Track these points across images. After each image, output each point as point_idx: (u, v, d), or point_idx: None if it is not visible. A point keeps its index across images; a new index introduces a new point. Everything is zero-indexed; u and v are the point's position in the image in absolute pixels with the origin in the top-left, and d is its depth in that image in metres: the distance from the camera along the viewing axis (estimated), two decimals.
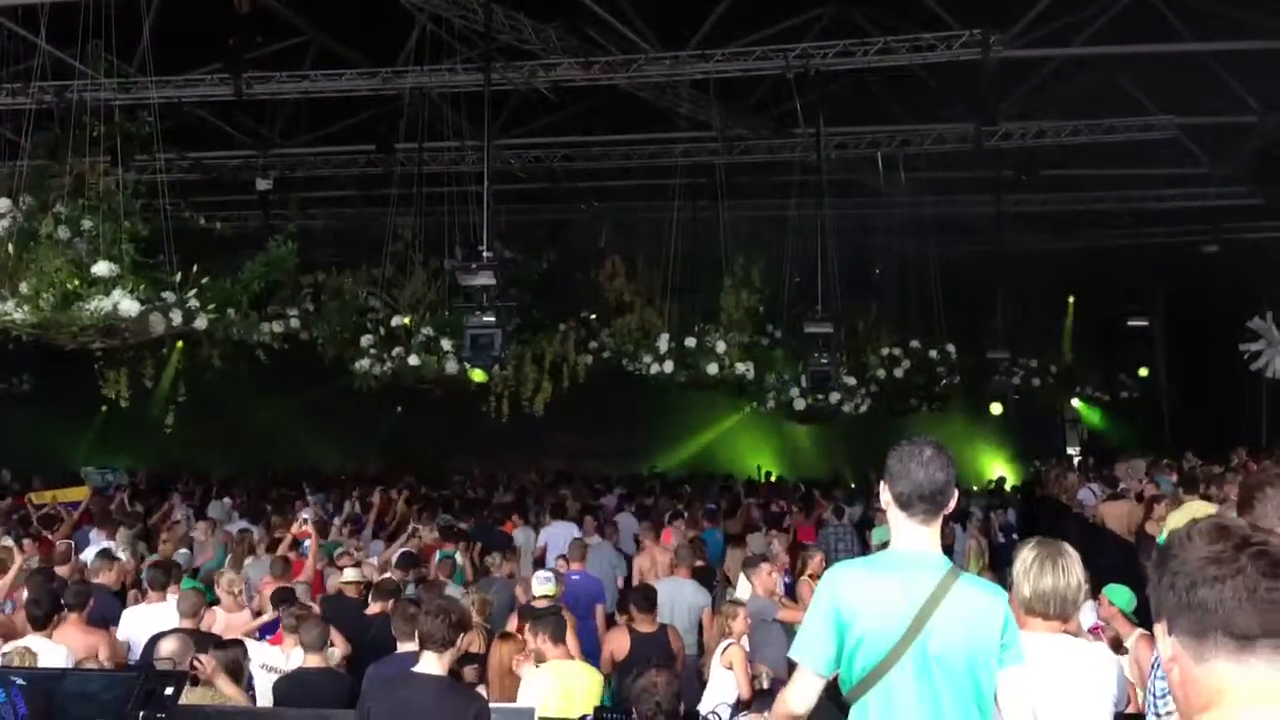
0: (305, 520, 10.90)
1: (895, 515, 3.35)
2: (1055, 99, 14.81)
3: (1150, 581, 1.75)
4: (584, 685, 6.38)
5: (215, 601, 8.43)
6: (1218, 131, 15.36)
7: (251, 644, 7.20)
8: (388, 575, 9.12)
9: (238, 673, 6.56)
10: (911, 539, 3.31)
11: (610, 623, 9.20)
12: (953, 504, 3.37)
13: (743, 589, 8.68)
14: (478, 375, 12.16)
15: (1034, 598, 3.86)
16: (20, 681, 4.44)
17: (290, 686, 6.57)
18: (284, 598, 8.03)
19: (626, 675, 5.98)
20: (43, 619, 6.67)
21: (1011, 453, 25.98)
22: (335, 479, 20.34)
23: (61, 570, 9.33)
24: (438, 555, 10.60)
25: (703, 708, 6.73)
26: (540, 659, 6.46)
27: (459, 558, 10.65)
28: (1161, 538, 1.68)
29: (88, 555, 10.11)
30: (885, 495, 3.37)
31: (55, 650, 6.42)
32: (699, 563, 10.33)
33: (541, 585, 8.21)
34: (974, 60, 12.66)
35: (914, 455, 3.30)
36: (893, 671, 3.15)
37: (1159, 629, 1.72)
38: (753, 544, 11.76)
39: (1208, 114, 14.73)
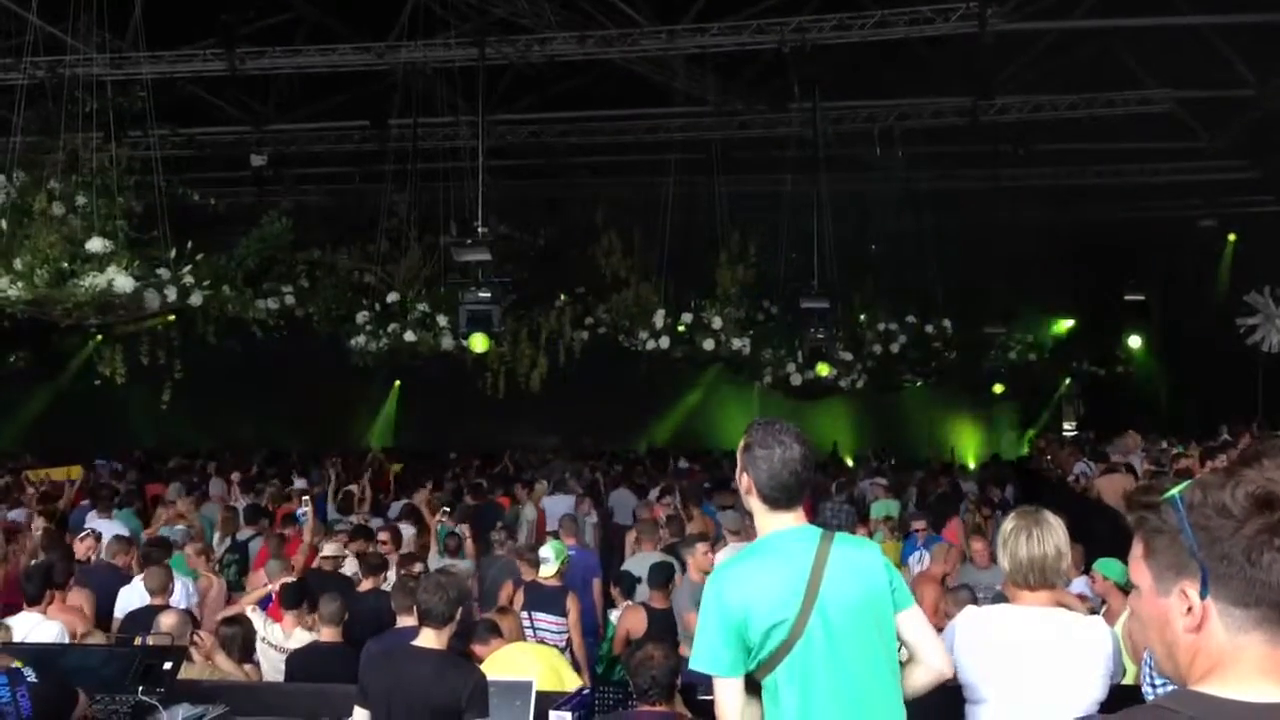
0: (305, 498, 10.84)
1: (756, 504, 3.30)
2: (1052, 72, 14.75)
3: (1165, 533, 1.68)
4: (534, 666, 5.87)
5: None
6: (1215, 105, 15.30)
7: (255, 617, 7.22)
8: (374, 550, 9.00)
9: (248, 648, 6.58)
10: (778, 521, 3.30)
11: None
12: None
13: None
14: (479, 344, 12.03)
15: (1015, 570, 3.79)
16: (32, 679, 4.32)
17: (306, 660, 6.58)
18: (293, 600, 7.45)
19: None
20: (35, 596, 6.67)
21: (1008, 428, 26.00)
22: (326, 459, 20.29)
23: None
24: (439, 528, 10.61)
25: None
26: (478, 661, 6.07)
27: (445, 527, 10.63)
28: (1174, 492, 1.60)
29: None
30: (745, 482, 3.29)
31: (49, 626, 6.42)
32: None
33: (547, 566, 7.86)
34: (971, 33, 12.61)
35: (785, 459, 3.22)
36: (799, 644, 3.14)
37: (1181, 584, 1.65)
38: (726, 521, 11.63)
39: (1205, 87, 14.68)
